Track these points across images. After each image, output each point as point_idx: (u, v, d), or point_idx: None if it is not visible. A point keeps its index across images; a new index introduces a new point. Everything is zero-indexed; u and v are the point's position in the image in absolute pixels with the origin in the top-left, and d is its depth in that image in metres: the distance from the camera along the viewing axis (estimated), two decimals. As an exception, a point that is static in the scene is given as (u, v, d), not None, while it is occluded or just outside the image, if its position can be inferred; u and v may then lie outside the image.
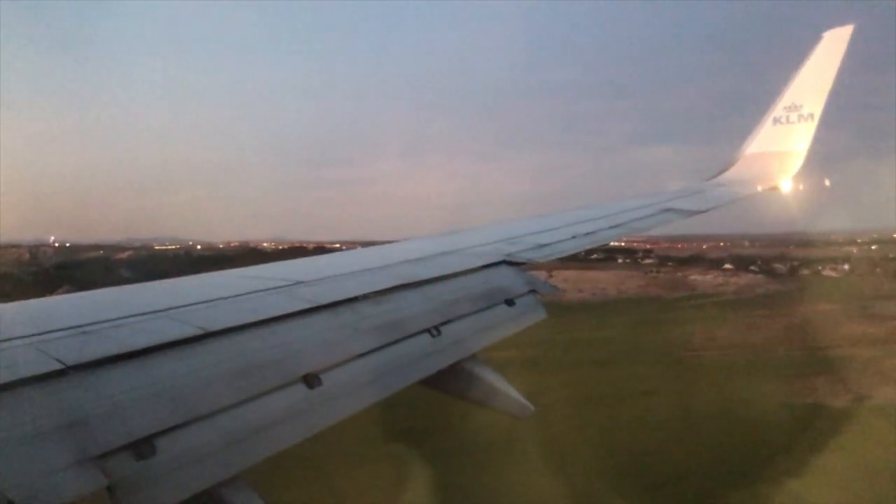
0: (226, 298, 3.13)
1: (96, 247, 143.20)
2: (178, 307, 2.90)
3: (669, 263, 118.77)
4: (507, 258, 4.81)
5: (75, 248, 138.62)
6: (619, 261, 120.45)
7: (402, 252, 4.79)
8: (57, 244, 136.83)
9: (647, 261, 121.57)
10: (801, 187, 10.32)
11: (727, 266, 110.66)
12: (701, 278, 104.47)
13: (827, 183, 11.35)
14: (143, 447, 2.02)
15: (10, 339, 2.32)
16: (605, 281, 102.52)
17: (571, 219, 6.64)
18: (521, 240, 5.47)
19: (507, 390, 3.55)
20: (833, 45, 9.89)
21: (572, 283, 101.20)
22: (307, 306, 3.16)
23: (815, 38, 10.21)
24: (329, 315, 3.18)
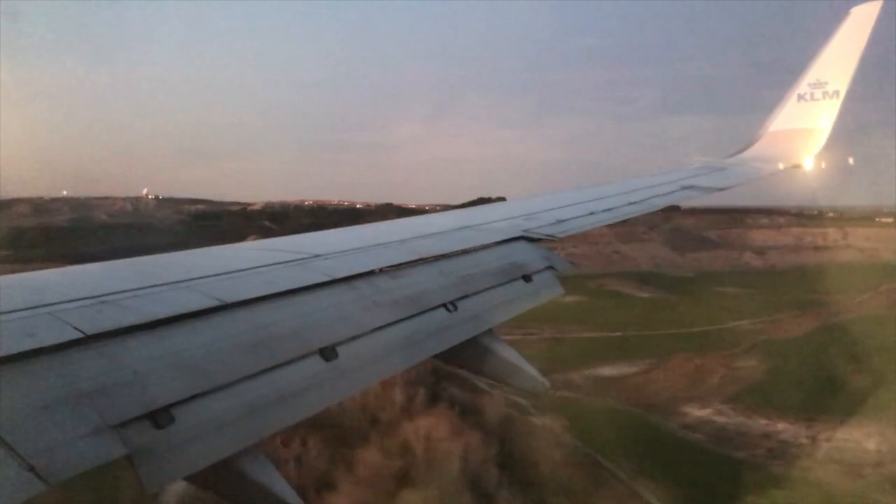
0: (243, 270, 3.12)
1: (196, 200, 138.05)
2: (196, 279, 2.90)
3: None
4: (525, 234, 4.78)
5: (174, 201, 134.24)
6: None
7: (419, 227, 4.76)
8: (151, 196, 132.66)
9: (887, 219, 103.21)
10: (823, 165, 10.16)
11: None
12: None
13: (851, 161, 11.16)
14: (161, 416, 2.03)
15: (30, 308, 2.32)
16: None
17: (591, 195, 6.60)
18: (539, 216, 5.43)
19: (522, 366, 3.54)
20: (861, 21, 9.61)
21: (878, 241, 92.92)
22: (324, 279, 3.15)
23: (842, 13, 9.91)
24: (346, 288, 3.18)
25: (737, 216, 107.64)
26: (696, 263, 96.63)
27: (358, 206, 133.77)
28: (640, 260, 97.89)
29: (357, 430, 37.80)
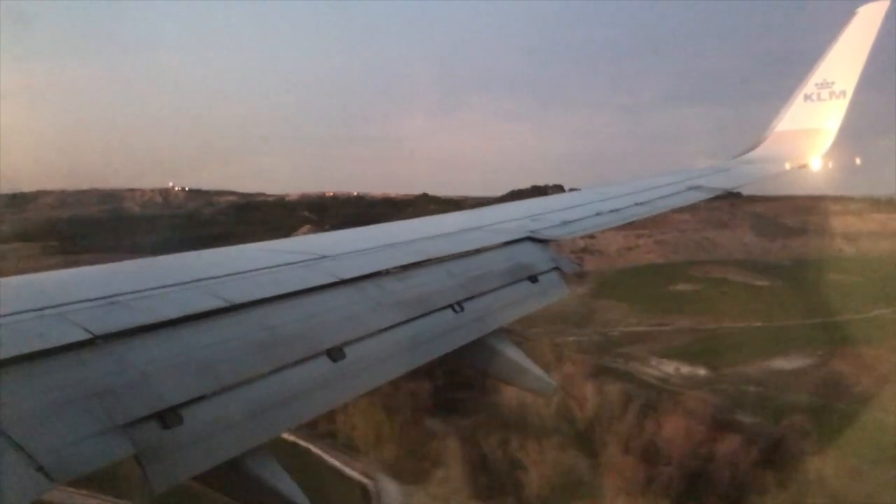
0: (251, 271, 3.14)
1: (224, 192, 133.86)
2: (204, 279, 2.91)
3: None
4: (531, 235, 4.74)
5: (202, 193, 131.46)
6: None
7: (425, 228, 4.77)
8: (178, 188, 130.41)
9: None
10: (830, 165, 10.05)
11: None
12: None
13: (858, 161, 10.90)
14: (169, 416, 2.06)
15: (39, 309, 2.34)
16: None
17: (597, 196, 6.56)
18: (545, 216, 5.40)
19: (528, 366, 3.54)
20: (868, 21, 9.49)
21: None
22: (331, 280, 3.16)
23: (849, 12, 9.78)
24: (353, 289, 3.19)
25: (805, 203, 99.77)
26: (788, 251, 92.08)
27: (395, 196, 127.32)
28: (730, 247, 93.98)
29: (573, 435, 36.30)
